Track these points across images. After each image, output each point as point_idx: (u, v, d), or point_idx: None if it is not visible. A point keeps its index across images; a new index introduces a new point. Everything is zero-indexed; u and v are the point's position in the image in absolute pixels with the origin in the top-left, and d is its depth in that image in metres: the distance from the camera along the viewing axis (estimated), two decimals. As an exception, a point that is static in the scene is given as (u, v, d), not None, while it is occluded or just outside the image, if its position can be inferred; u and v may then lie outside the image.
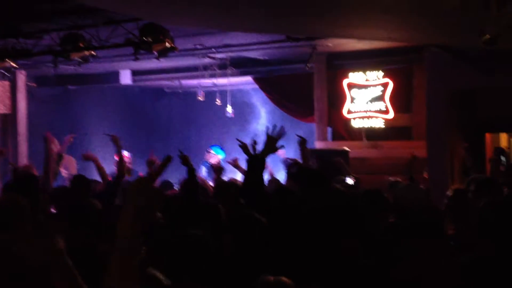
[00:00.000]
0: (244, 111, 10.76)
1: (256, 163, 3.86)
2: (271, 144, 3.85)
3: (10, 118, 10.18)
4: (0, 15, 5.85)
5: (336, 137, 8.78)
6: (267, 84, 9.84)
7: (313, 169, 5.24)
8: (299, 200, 3.64)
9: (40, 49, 6.74)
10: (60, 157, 7.00)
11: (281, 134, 3.88)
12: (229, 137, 10.80)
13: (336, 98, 8.63)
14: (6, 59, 6.82)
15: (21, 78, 10.07)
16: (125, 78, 10.32)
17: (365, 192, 4.42)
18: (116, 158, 6.50)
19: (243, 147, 5.67)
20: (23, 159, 9.94)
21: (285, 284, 2.40)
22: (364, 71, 8.32)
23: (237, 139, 5.42)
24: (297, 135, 5.63)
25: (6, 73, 7.77)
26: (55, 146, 5.49)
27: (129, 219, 1.47)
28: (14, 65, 7.00)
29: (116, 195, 5.03)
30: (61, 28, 6.37)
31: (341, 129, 8.69)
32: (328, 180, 4.22)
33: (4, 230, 2.89)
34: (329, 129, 8.79)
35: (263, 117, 10.62)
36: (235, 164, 6.20)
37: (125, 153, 8.68)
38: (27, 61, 8.40)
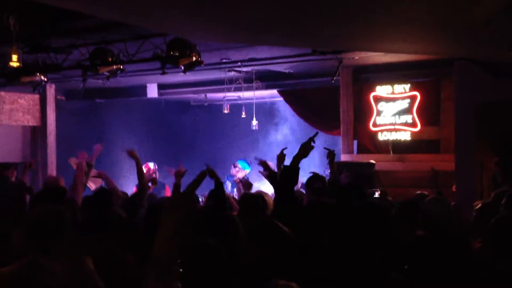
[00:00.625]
0: (269, 124, 10.77)
1: (288, 172, 3.86)
2: (304, 150, 3.85)
3: (40, 130, 10.40)
4: (31, 31, 5.99)
5: (361, 150, 8.71)
6: (292, 97, 9.84)
7: (350, 183, 5.20)
8: (335, 213, 3.62)
9: (70, 64, 6.87)
10: (89, 166, 7.11)
11: (312, 140, 3.90)
12: (254, 149, 10.82)
13: (362, 111, 8.58)
14: (37, 73, 6.97)
15: (51, 91, 10.29)
16: (152, 91, 10.45)
17: (401, 205, 4.40)
18: (146, 168, 6.58)
19: (263, 164, 5.66)
20: (52, 170, 10.12)
21: None
22: (391, 84, 8.27)
23: (256, 158, 5.40)
24: (326, 148, 5.58)
25: (36, 87, 7.92)
26: (84, 159, 5.61)
27: (166, 235, 1.47)
28: (44, 79, 7.14)
29: (139, 207, 5.07)
30: (90, 43, 6.49)
31: (367, 142, 8.62)
32: (364, 194, 4.21)
33: (47, 250, 2.83)
34: (355, 142, 8.73)
35: (287, 130, 10.60)
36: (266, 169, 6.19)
37: (151, 165, 8.79)
38: (57, 75, 8.58)
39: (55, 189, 5.08)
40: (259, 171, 6.30)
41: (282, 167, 4.08)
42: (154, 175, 7.90)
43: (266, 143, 10.82)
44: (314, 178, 5.15)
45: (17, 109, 10.02)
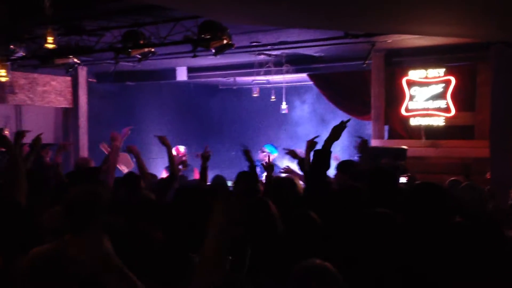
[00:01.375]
0: (298, 108, 10.69)
1: (321, 156, 3.82)
2: (335, 134, 3.82)
3: (71, 112, 10.55)
4: (64, 13, 6.04)
5: (393, 135, 8.59)
6: (322, 81, 9.74)
7: (382, 168, 5.16)
8: (370, 198, 3.57)
9: (102, 46, 6.91)
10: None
11: (344, 124, 3.86)
12: (283, 134, 10.79)
13: (394, 96, 8.44)
14: (70, 55, 7.03)
15: (82, 74, 10.41)
16: (181, 74, 10.47)
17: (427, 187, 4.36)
18: (176, 151, 6.64)
19: (291, 153, 5.62)
20: (83, 152, 10.28)
21: (328, 270, 2.32)
22: (425, 68, 8.10)
23: (284, 148, 5.37)
24: (358, 136, 5.55)
25: (69, 69, 8.01)
26: (118, 140, 5.70)
27: (216, 232, 1.48)
28: (77, 61, 7.20)
29: (168, 192, 5.14)
30: (122, 26, 6.51)
31: (399, 127, 8.49)
32: (396, 179, 4.16)
33: (79, 230, 2.88)
34: (386, 127, 8.61)
35: (316, 114, 10.51)
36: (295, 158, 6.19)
37: (181, 148, 8.84)
38: (88, 58, 8.65)
39: (89, 169, 5.14)
40: (286, 153, 6.30)
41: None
42: (184, 158, 7.93)
43: (294, 127, 10.76)
44: (350, 163, 5.11)
45: (50, 91, 10.18)
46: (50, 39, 5.25)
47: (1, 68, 5.83)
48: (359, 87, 9.18)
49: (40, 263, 2.80)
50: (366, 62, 7.96)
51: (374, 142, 8.39)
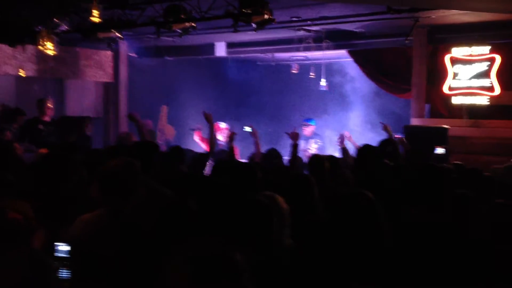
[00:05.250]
0: (336, 85, 10.57)
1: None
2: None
3: (112, 86, 10.71)
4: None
5: (434, 114, 8.43)
6: (362, 58, 9.59)
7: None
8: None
9: (144, 20, 6.96)
10: (152, 133, 7.39)
11: None
12: (321, 110, 10.71)
13: (436, 74, 8.27)
14: (112, 30, 7.10)
15: (123, 48, 10.52)
16: (220, 50, 10.47)
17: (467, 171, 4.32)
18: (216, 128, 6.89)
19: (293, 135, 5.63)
20: (124, 126, 10.45)
21: None
22: (469, 45, 7.88)
23: (286, 132, 5.56)
24: (381, 123, 5.97)
25: (110, 43, 8.11)
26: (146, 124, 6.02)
27: None
28: (119, 35, 7.27)
29: (205, 166, 5.34)
30: (164, 0, 6.54)
31: (440, 106, 8.33)
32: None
33: (119, 195, 3.00)
34: (427, 106, 8.45)
35: (356, 91, 10.37)
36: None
37: (221, 125, 8.92)
38: (129, 32, 8.72)
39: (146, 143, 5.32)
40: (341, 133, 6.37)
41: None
42: (232, 132, 8.02)
43: (335, 103, 10.65)
44: (387, 142, 5.09)
45: (91, 65, 10.34)
46: (95, 12, 5.31)
47: (49, 42, 5.93)
48: (400, 64, 9.02)
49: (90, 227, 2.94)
50: (408, 38, 7.80)
51: (414, 121, 8.26)
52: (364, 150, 4.85)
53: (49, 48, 5.92)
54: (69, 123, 8.02)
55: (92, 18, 5.39)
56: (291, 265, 2.52)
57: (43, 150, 5.48)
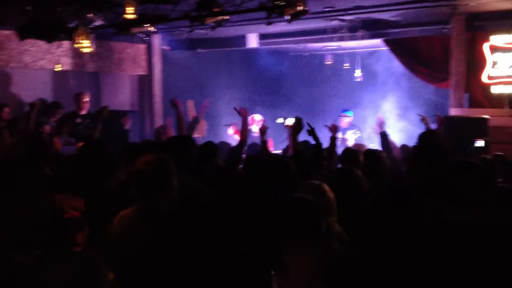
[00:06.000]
0: (372, 74, 10.39)
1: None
2: None
3: (146, 79, 10.79)
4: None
5: (473, 104, 8.19)
6: (398, 47, 9.39)
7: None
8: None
9: (177, 14, 6.95)
10: (196, 120, 7.34)
11: None
12: (355, 101, 10.55)
13: (475, 62, 8.03)
14: (146, 24, 7.12)
15: (156, 41, 10.57)
16: (252, 41, 10.42)
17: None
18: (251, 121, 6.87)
19: (311, 132, 5.52)
20: (158, 119, 10.53)
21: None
22: (509, 33, 7.63)
23: (308, 123, 5.39)
24: (419, 114, 6.05)
25: (144, 37, 8.14)
26: (190, 110, 5.94)
27: None
28: (153, 29, 7.29)
29: (239, 159, 5.35)
30: (197, -7, 6.51)
31: (480, 95, 8.10)
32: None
33: (152, 192, 3.01)
34: (466, 96, 8.23)
35: (393, 81, 10.18)
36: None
37: (256, 117, 8.90)
38: (162, 26, 8.74)
39: (182, 137, 5.36)
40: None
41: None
42: (265, 125, 8.01)
43: (369, 94, 10.48)
44: (430, 134, 5.00)
45: (125, 58, 10.43)
46: (130, 9, 5.32)
47: (86, 39, 5.98)
48: (438, 53, 8.80)
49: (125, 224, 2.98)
50: (447, 26, 7.59)
51: (453, 111, 8.06)
52: (425, 139, 4.74)
53: (86, 46, 5.96)
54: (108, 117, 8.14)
55: (127, 16, 5.40)
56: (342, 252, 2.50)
57: (81, 144, 5.56)
